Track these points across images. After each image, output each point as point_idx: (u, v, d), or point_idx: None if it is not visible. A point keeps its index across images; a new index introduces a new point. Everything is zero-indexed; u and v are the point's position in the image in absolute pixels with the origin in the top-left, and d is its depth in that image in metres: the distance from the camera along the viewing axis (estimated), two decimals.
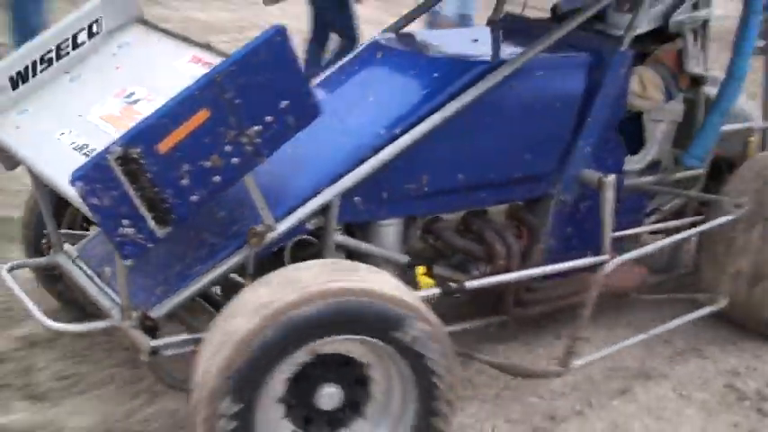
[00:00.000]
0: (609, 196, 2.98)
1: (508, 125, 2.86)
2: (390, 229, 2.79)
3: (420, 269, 2.76)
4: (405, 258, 2.78)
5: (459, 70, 2.75)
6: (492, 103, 2.79)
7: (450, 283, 2.66)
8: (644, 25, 3.39)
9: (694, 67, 3.39)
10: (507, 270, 2.87)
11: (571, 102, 2.98)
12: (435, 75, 2.77)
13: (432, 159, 2.71)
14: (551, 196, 3.05)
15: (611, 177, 2.97)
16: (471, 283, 2.70)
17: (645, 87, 3.37)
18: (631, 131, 3.42)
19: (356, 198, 2.59)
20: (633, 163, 3.43)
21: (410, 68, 2.86)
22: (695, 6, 3.40)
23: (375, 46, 3.03)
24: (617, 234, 3.04)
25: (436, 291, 2.65)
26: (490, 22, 3.56)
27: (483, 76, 2.71)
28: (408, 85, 2.81)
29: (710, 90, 3.64)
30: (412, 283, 2.69)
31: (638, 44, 3.49)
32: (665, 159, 3.61)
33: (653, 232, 3.56)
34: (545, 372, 2.75)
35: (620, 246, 3.32)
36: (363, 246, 2.70)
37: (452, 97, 2.67)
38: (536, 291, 3.10)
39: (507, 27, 3.45)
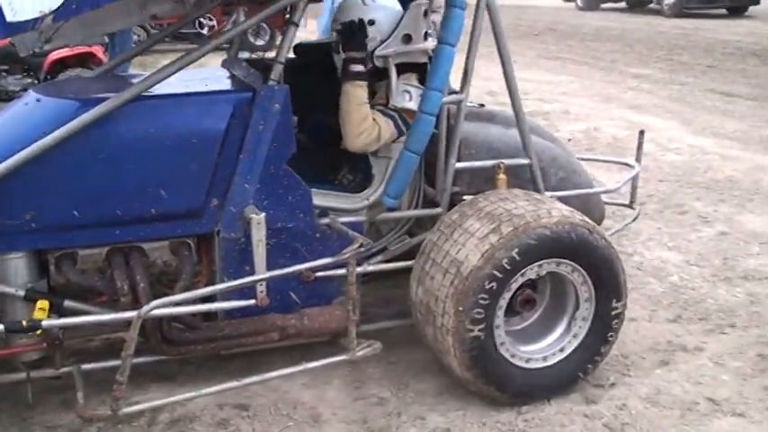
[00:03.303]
0: (257, 235, 2.91)
1: (129, 163, 2.82)
2: (12, 263, 2.85)
3: (40, 303, 2.81)
4: (21, 292, 2.83)
5: (59, 111, 2.77)
6: (106, 142, 2.79)
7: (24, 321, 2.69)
8: None
9: (402, 102, 3.21)
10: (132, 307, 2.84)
11: (211, 138, 2.90)
12: (40, 115, 2.82)
13: (34, 196, 2.74)
14: (217, 233, 3.01)
15: (260, 216, 2.90)
16: (49, 322, 2.71)
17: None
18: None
19: None
20: (355, 201, 3.30)
21: (30, 112, 2.90)
22: (407, 40, 3.24)
23: (31, 90, 3.11)
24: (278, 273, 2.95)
25: None
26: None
27: (76, 115, 2.71)
28: (14, 127, 2.87)
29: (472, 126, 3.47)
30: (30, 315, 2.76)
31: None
32: (414, 197, 3.46)
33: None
34: (93, 416, 2.69)
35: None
36: None
37: (41, 136, 2.69)
38: (199, 329, 3.05)
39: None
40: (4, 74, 9.10)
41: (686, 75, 11.46)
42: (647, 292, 4.24)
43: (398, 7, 3.30)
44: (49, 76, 9.03)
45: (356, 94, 3.17)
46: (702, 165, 6.77)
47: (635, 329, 3.80)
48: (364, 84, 3.20)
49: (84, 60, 9.07)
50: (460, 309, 2.88)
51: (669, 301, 4.13)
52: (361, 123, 3.18)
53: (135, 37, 10.09)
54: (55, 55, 8.83)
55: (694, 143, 7.53)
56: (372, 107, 3.27)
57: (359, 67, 3.18)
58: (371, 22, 3.23)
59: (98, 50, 9.17)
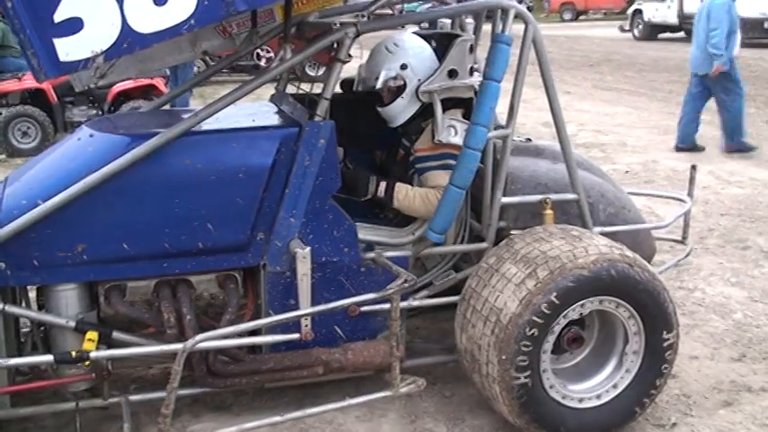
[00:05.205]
0: (302, 269, 2.92)
1: (177, 198, 2.88)
2: (64, 294, 2.93)
3: (90, 334, 2.86)
4: (72, 323, 2.89)
5: (111, 146, 2.84)
6: (155, 177, 2.85)
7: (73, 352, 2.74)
8: (406, 113, 3.32)
9: (447, 137, 3.20)
10: (179, 340, 2.88)
11: (258, 173, 2.94)
12: (92, 150, 2.89)
13: (85, 229, 2.81)
14: (263, 267, 3.04)
15: (305, 250, 2.92)
16: (97, 353, 2.76)
17: None
18: None
19: (0, 264, 2.78)
20: (401, 235, 3.30)
21: (83, 146, 2.96)
22: (451, 75, 3.25)
23: (84, 125, 3.19)
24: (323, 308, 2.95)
25: (49, 358, 2.76)
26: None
27: (126, 151, 2.78)
28: (67, 161, 2.94)
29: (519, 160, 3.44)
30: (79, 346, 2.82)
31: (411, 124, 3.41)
32: (460, 232, 3.44)
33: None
34: None
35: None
36: (15, 309, 2.87)
37: (93, 171, 2.76)
38: (244, 362, 3.07)
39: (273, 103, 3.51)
40: (69, 105, 9.42)
41: (747, 106, 11.17)
42: (709, 329, 4.12)
43: (426, 45, 3.33)
44: (112, 107, 9.33)
45: (401, 199, 3.30)
46: (765, 198, 6.60)
47: (697, 368, 3.70)
48: (397, 184, 3.31)
49: (147, 92, 9.36)
50: (504, 357, 2.85)
51: (733, 339, 4.01)
52: (427, 204, 3.26)
53: (195, 69, 10.33)
54: (118, 87, 9.16)
55: (757, 176, 7.35)
56: (417, 162, 3.34)
57: (381, 190, 3.31)
58: (404, 66, 3.26)
59: (160, 82, 9.45)
